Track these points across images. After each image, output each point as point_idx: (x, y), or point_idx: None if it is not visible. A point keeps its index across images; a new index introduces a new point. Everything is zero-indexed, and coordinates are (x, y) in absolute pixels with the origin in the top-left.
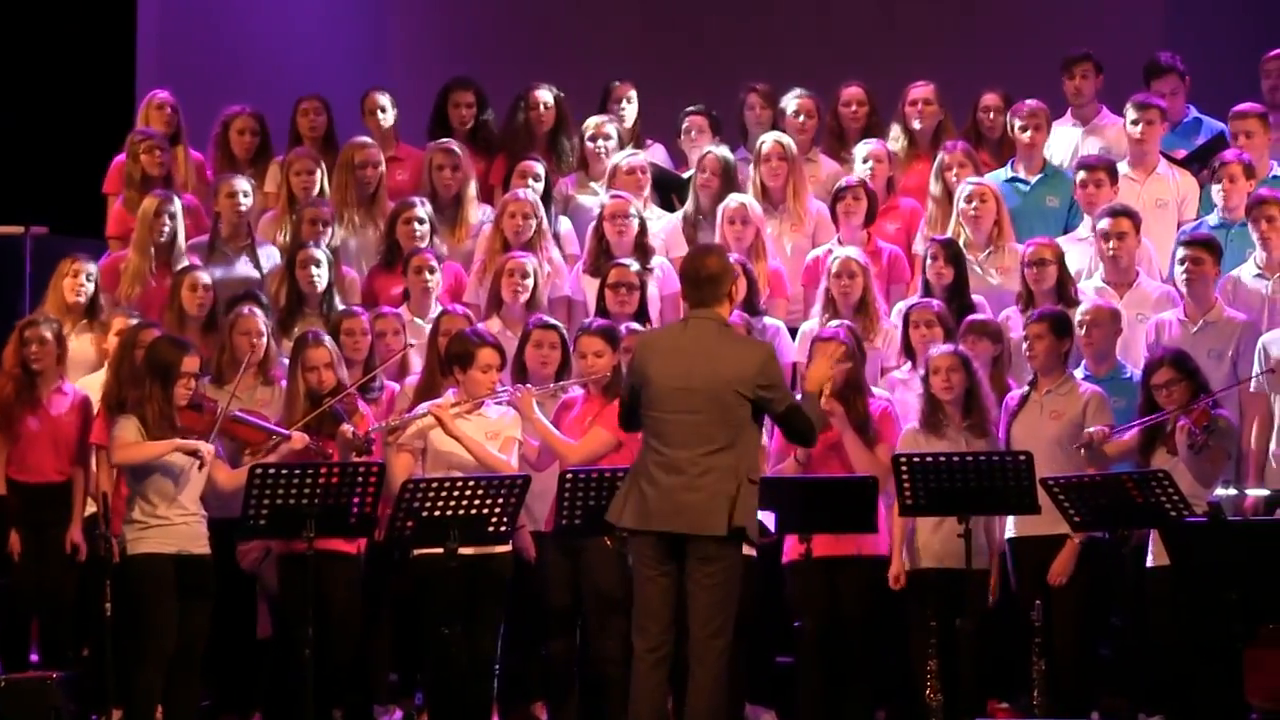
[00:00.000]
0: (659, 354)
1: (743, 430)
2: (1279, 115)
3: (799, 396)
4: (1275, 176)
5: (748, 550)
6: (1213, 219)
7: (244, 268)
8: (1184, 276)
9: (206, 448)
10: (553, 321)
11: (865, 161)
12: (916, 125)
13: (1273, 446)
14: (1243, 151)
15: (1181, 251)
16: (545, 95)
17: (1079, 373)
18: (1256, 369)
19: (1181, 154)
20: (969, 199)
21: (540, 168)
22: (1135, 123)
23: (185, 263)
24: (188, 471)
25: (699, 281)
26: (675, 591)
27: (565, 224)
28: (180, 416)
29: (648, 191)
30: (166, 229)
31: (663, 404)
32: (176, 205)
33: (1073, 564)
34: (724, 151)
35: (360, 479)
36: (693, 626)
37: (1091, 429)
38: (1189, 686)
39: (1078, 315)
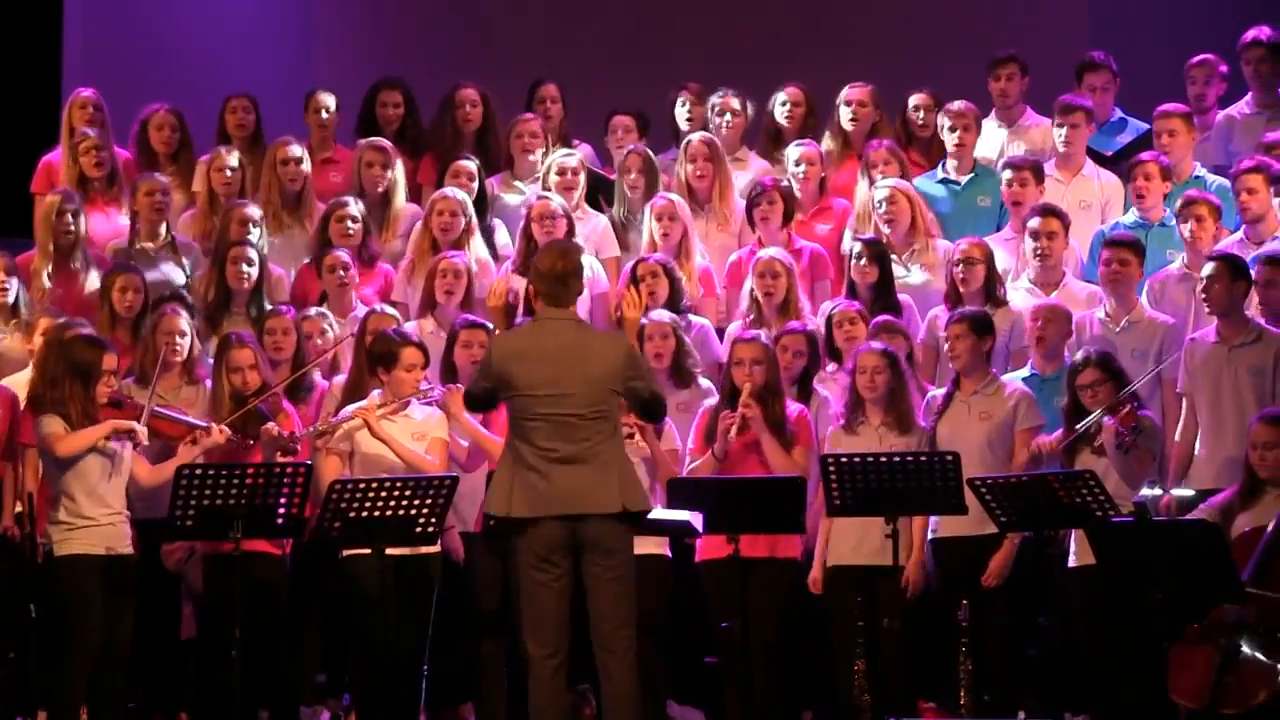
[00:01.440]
0: (520, 359)
1: (617, 423)
2: (1203, 119)
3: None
4: (1198, 177)
5: (661, 550)
6: (1129, 218)
7: (165, 267)
8: (1108, 276)
9: (140, 428)
10: (480, 321)
11: (797, 164)
12: (850, 126)
13: (1198, 447)
14: (1160, 152)
15: (1106, 252)
16: (472, 94)
17: (1024, 371)
18: (1181, 369)
19: (1109, 154)
20: (881, 201)
21: (474, 167)
22: (1061, 125)
23: (80, 261)
24: (113, 467)
25: (560, 278)
26: (569, 593)
27: (501, 227)
28: (101, 415)
29: (581, 192)
30: (70, 228)
31: (535, 410)
32: (79, 204)
33: (1010, 564)
34: (646, 151)
35: (288, 480)
36: (598, 621)
37: (1041, 440)
38: (1114, 686)
39: (1029, 313)
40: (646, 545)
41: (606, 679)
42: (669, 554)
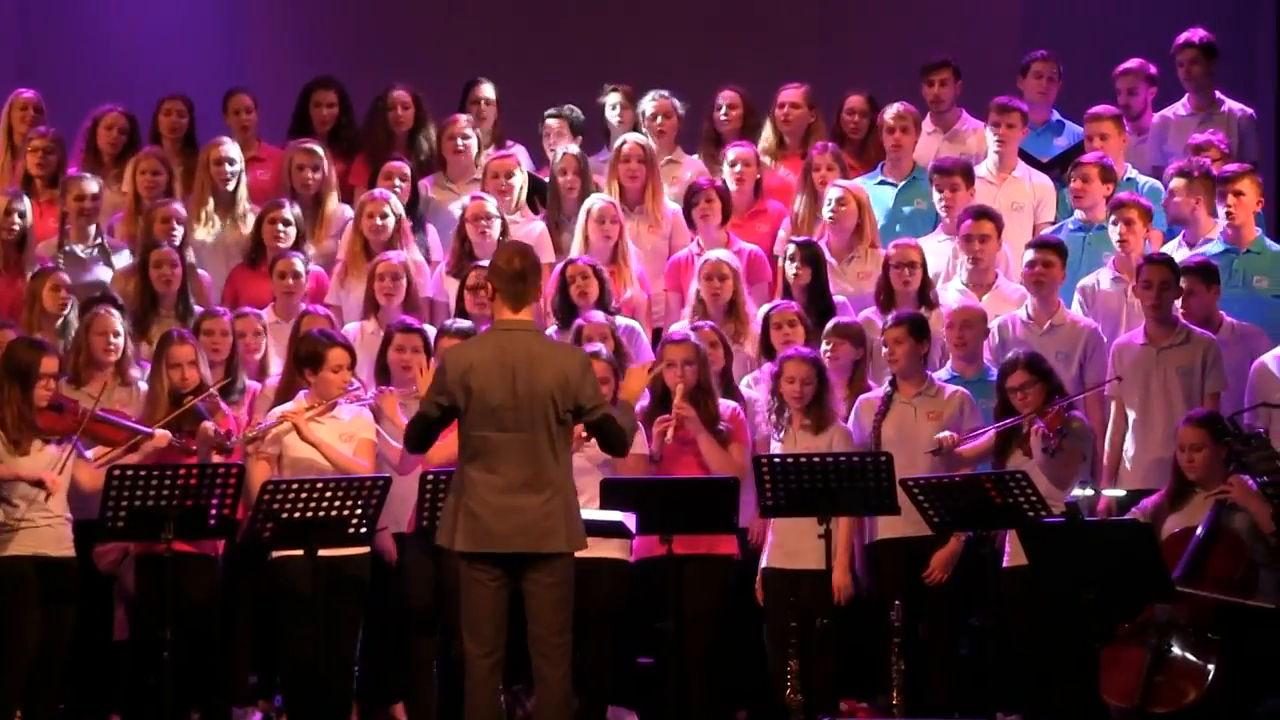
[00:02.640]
0: (477, 369)
1: (566, 441)
2: (1134, 124)
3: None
4: (1130, 179)
5: (622, 555)
6: (1070, 222)
7: (96, 268)
8: (1032, 278)
9: (51, 478)
10: (416, 324)
11: (733, 165)
12: (786, 127)
13: (1128, 447)
14: (1102, 154)
15: (1030, 254)
16: (404, 96)
17: (943, 373)
18: (1110, 371)
19: (1045, 159)
20: (830, 201)
21: (406, 168)
22: (997, 125)
23: (36, 263)
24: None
25: (519, 274)
26: (507, 593)
27: (432, 228)
28: (41, 419)
29: (520, 193)
30: (16, 227)
31: (488, 422)
32: (26, 204)
33: (955, 560)
34: (579, 152)
35: (220, 481)
36: (535, 626)
37: (941, 435)
38: (1046, 686)
39: (946, 317)
40: (609, 549)
41: (541, 684)
42: (630, 559)
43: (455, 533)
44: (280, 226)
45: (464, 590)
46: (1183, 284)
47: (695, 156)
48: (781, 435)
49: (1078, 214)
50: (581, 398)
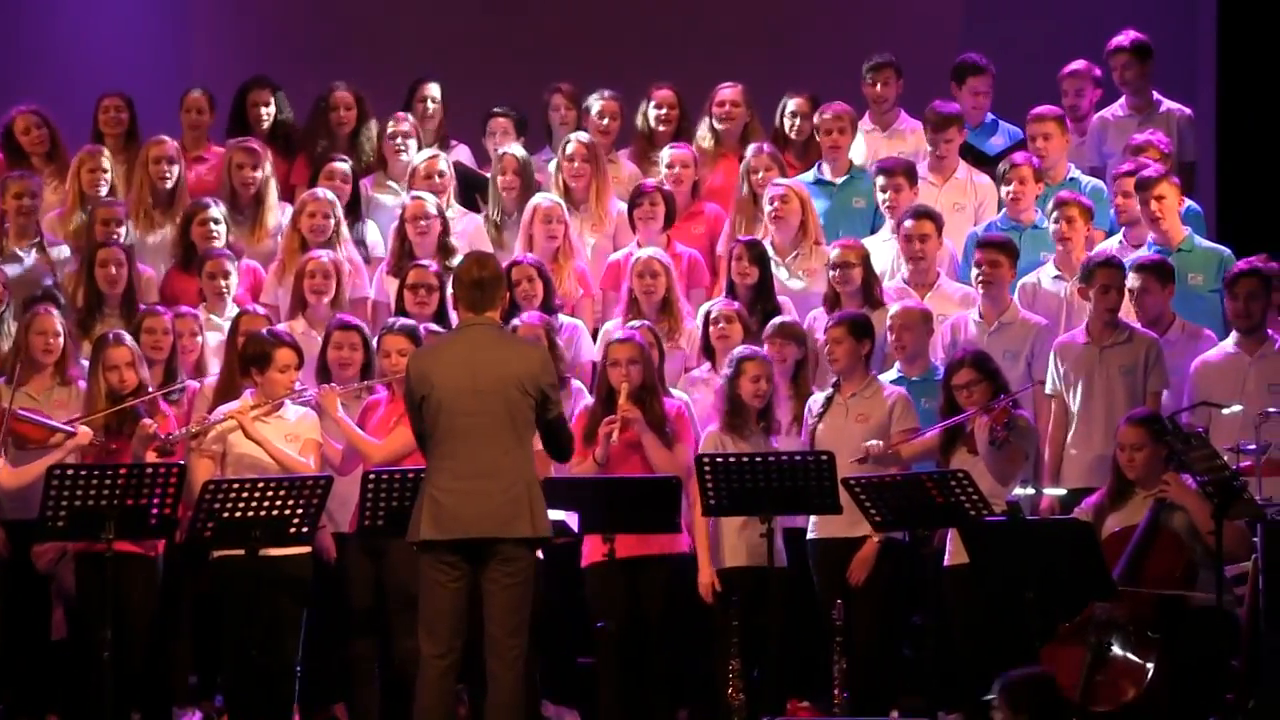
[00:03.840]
0: (441, 363)
1: (529, 430)
2: (1078, 125)
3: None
4: (1073, 179)
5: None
6: (1003, 221)
7: (34, 267)
8: (981, 278)
9: None
10: (354, 322)
11: (670, 167)
12: (722, 127)
13: (1070, 446)
14: (1032, 155)
15: (978, 253)
16: (346, 97)
17: (891, 374)
18: (1051, 370)
19: (991, 154)
20: (773, 200)
21: (347, 168)
22: (934, 143)
23: None
24: None
25: (478, 285)
26: (468, 596)
27: (371, 226)
28: None
29: (451, 193)
30: None
31: (451, 408)
32: None
33: (872, 562)
34: (521, 151)
35: (160, 480)
36: (491, 626)
37: (869, 443)
38: (987, 684)
39: (887, 318)
40: None
41: (493, 684)
42: (541, 555)
43: (421, 524)
44: (210, 226)
45: (423, 589)
46: (1137, 282)
47: (626, 153)
48: (745, 436)
49: (1009, 213)
50: (546, 388)
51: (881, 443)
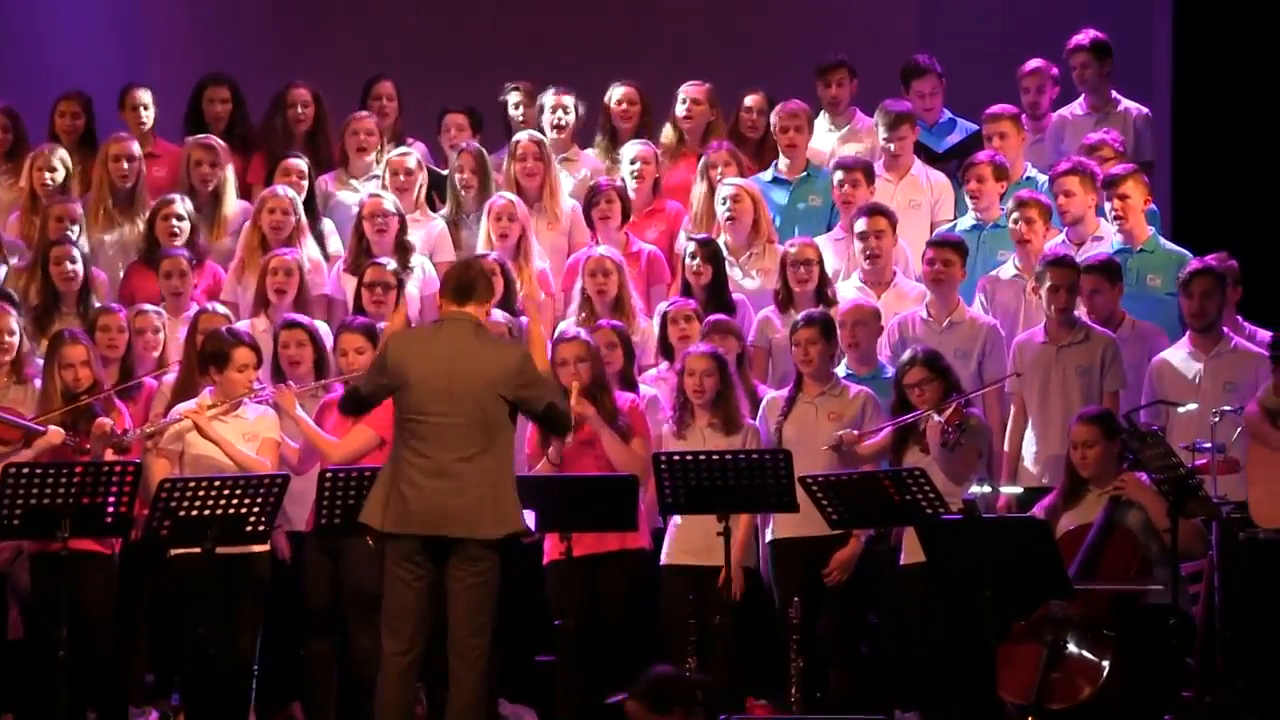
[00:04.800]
0: (416, 355)
1: (501, 431)
2: (1036, 123)
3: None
4: (1029, 178)
5: None
6: (967, 220)
7: None
8: (931, 276)
9: None
10: (300, 320)
11: (632, 164)
12: (686, 125)
13: (1026, 445)
14: (995, 153)
15: (929, 252)
16: (304, 95)
17: (840, 371)
18: (1010, 368)
19: (940, 150)
20: (725, 200)
21: (304, 166)
22: (888, 140)
23: None
24: None
25: (462, 289)
26: (431, 594)
27: (329, 224)
28: None
29: (420, 190)
30: None
31: (424, 406)
32: None
33: (854, 564)
34: (479, 149)
35: (116, 478)
36: (454, 626)
37: (841, 432)
38: (943, 683)
39: (839, 315)
40: None
41: (455, 684)
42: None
43: (384, 513)
44: (174, 222)
45: (386, 586)
46: (1088, 283)
47: (590, 152)
48: (684, 434)
49: (972, 212)
50: (523, 390)
51: (856, 431)
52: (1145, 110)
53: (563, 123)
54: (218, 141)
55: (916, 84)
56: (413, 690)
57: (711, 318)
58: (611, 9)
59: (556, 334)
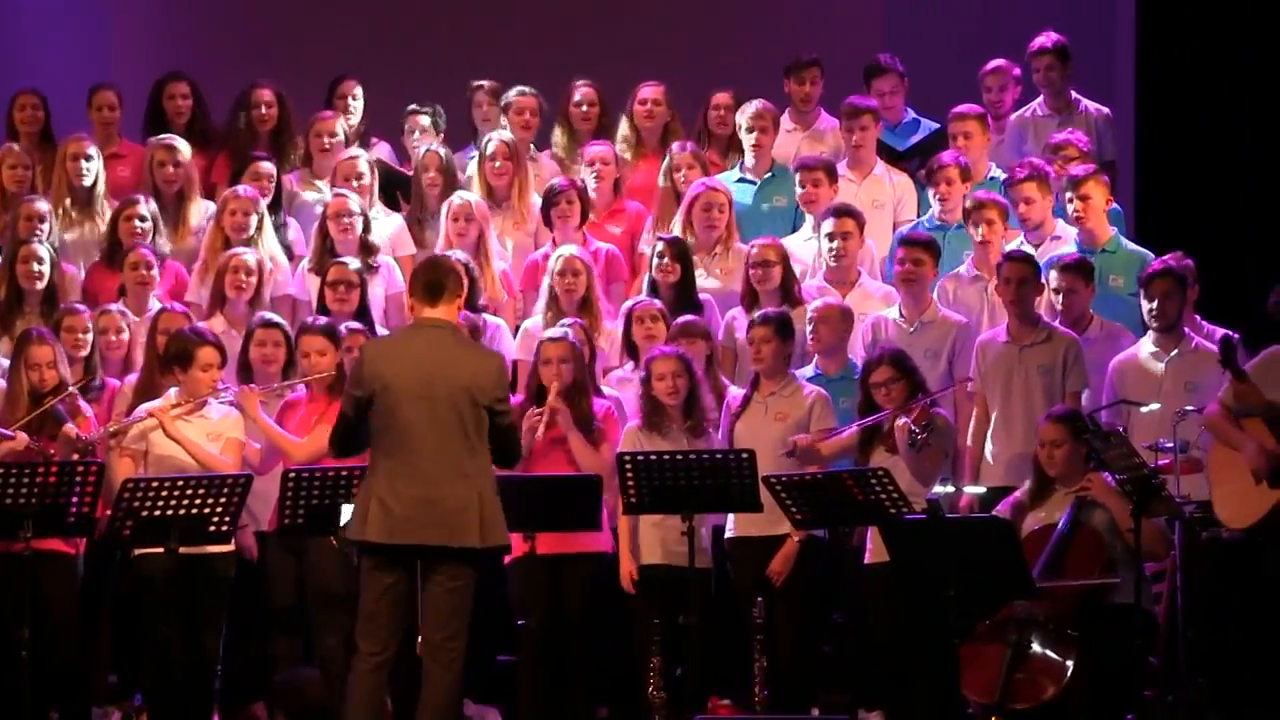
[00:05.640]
0: (393, 361)
1: (485, 438)
2: (999, 123)
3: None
4: (993, 178)
5: None
6: (930, 220)
7: None
8: (903, 276)
9: None
10: (276, 319)
11: (591, 164)
12: (644, 125)
13: (989, 445)
14: (960, 153)
15: (901, 251)
16: (267, 95)
17: (808, 371)
18: (973, 369)
19: (901, 149)
20: (705, 202)
21: (273, 169)
22: (849, 129)
23: None
24: None
25: (432, 286)
26: (408, 598)
27: (295, 225)
28: None
29: (371, 191)
30: None
31: (404, 414)
32: None
33: (794, 560)
34: (444, 149)
35: (79, 478)
36: (429, 630)
37: (796, 436)
38: (907, 682)
39: (807, 314)
40: None
41: (428, 683)
42: None
43: (367, 525)
44: (136, 223)
45: (364, 588)
46: (1061, 281)
47: (548, 152)
48: (665, 434)
49: (935, 212)
50: (498, 401)
51: (810, 435)
52: (1106, 111)
53: (527, 123)
54: (180, 141)
55: (877, 83)
56: (383, 691)
57: (681, 319)
58: (576, 8)
59: (530, 332)
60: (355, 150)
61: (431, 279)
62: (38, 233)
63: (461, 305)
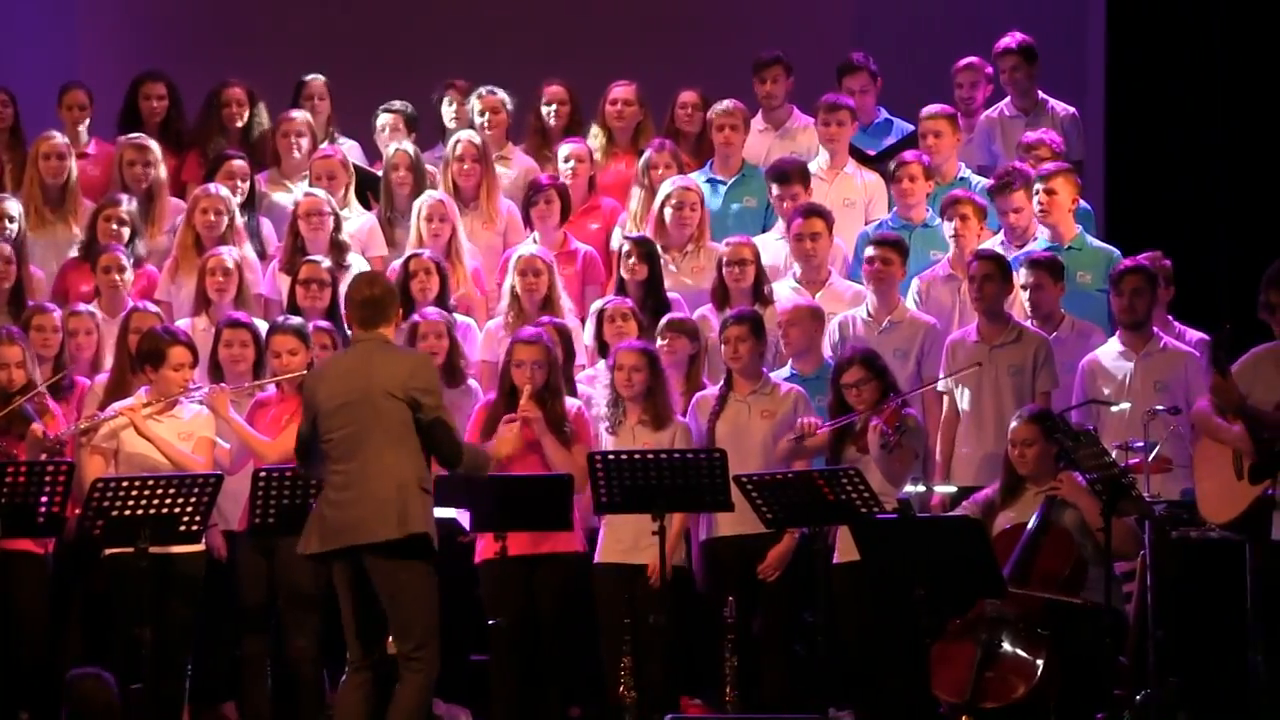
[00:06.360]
0: (326, 380)
1: (407, 435)
2: (969, 121)
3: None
4: (963, 178)
5: None
6: (894, 219)
7: None
8: (872, 275)
9: None
10: (244, 319)
11: (566, 161)
12: (617, 124)
13: (959, 444)
14: (923, 153)
15: (869, 251)
16: (239, 94)
17: (784, 371)
18: (944, 369)
19: (873, 153)
20: (673, 199)
21: (246, 167)
22: (825, 123)
23: None
24: None
25: (364, 304)
26: (370, 606)
27: (266, 224)
28: None
29: (347, 188)
30: None
31: (329, 425)
32: None
33: (788, 560)
34: (413, 148)
35: (49, 478)
36: (397, 638)
37: (805, 419)
38: (878, 681)
39: (778, 315)
40: None
41: (400, 687)
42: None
43: (309, 536)
44: (115, 225)
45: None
46: (1030, 278)
47: (522, 147)
48: (616, 431)
49: (899, 211)
50: (415, 392)
51: (814, 420)
52: (1073, 110)
53: (494, 123)
54: (150, 141)
55: (848, 80)
56: (372, 696)
57: (669, 316)
58: (544, 7)
59: (493, 332)
60: (331, 149)
61: (365, 314)
62: (6, 231)
63: (398, 322)
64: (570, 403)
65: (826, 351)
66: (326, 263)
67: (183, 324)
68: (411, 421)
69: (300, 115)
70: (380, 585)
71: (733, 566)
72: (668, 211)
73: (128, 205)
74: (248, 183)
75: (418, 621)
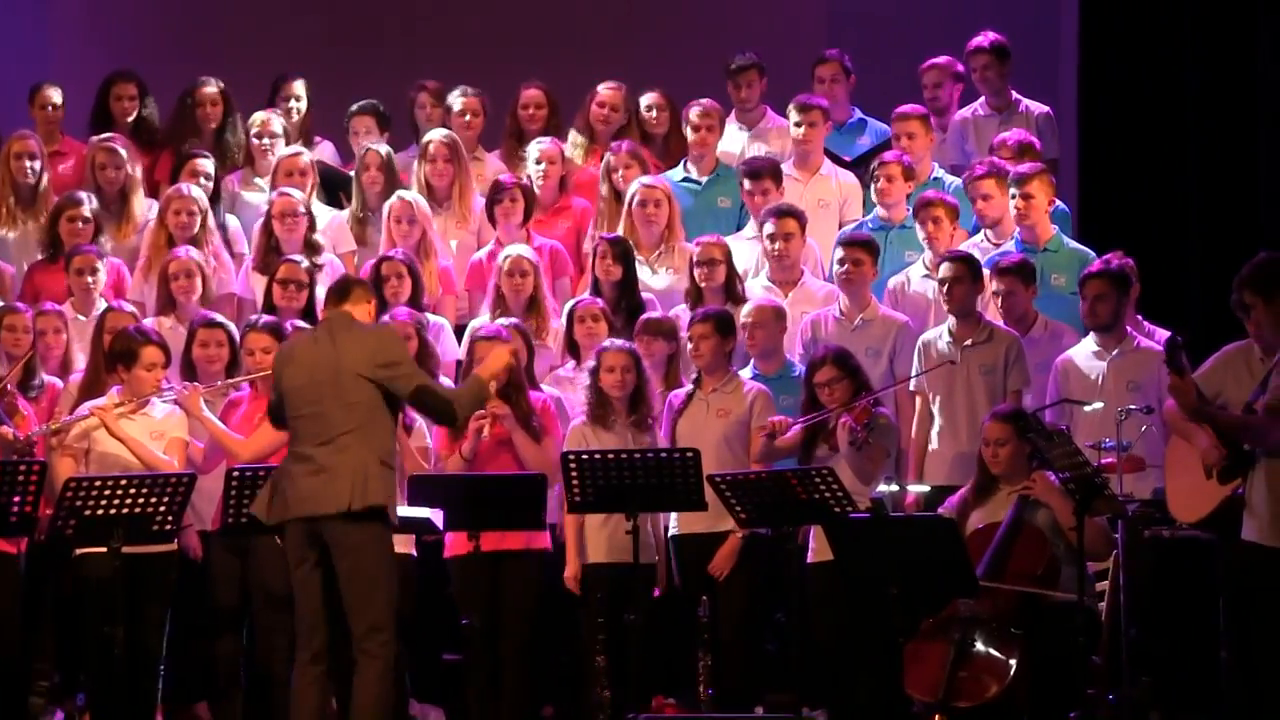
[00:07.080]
0: (292, 361)
1: (372, 414)
2: (940, 120)
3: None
4: (936, 179)
5: (406, 549)
6: (872, 219)
7: None
8: (843, 276)
9: None
10: (219, 319)
11: (538, 162)
12: (600, 126)
13: (932, 443)
14: (903, 153)
15: (840, 251)
16: (212, 90)
17: (747, 371)
18: (916, 368)
19: (849, 159)
20: (638, 197)
21: (210, 165)
22: (799, 124)
23: None
24: None
25: (333, 286)
26: (324, 587)
27: (234, 222)
28: None
29: (311, 190)
30: None
31: (293, 405)
32: None
33: (734, 558)
34: (384, 148)
35: (21, 478)
36: (350, 620)
37: (774, 418)
38: (851, 680)
39: (741, 315)
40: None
41: (357, 679)
42: (414, 553)
43: (268, 506)
44: (79, 224)
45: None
46: (1000, 284)
47: (496, 153)
48: (611, 428)
49: (878, 212)
50: (383, 368)
51: (783, 418)
52: (1046, 109)
53: (473, 125)
54: (121, 141)
55: (819, 69)
56: (325, 689)
57: (645, 317)
58: (517, 8)
59: (474, 331)
60: (295, 147)
61: (338, 285)
62: None
63: (373, 309)
64: (536, 396)
65: (796, 350)
66: (305, 263)
67: (148, 323)
68: (379, 401)
69: (274, 115)
70: (337, 559)
71: (703, 566)
72: (634, 211)
73: (90, 204)
74: (211, 182)
75: (373, 600)
